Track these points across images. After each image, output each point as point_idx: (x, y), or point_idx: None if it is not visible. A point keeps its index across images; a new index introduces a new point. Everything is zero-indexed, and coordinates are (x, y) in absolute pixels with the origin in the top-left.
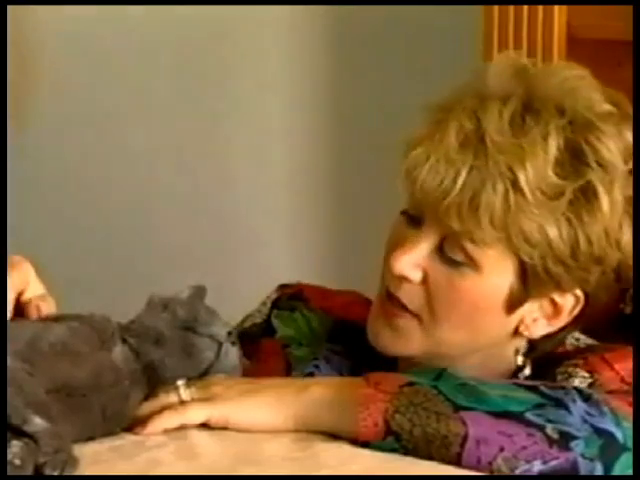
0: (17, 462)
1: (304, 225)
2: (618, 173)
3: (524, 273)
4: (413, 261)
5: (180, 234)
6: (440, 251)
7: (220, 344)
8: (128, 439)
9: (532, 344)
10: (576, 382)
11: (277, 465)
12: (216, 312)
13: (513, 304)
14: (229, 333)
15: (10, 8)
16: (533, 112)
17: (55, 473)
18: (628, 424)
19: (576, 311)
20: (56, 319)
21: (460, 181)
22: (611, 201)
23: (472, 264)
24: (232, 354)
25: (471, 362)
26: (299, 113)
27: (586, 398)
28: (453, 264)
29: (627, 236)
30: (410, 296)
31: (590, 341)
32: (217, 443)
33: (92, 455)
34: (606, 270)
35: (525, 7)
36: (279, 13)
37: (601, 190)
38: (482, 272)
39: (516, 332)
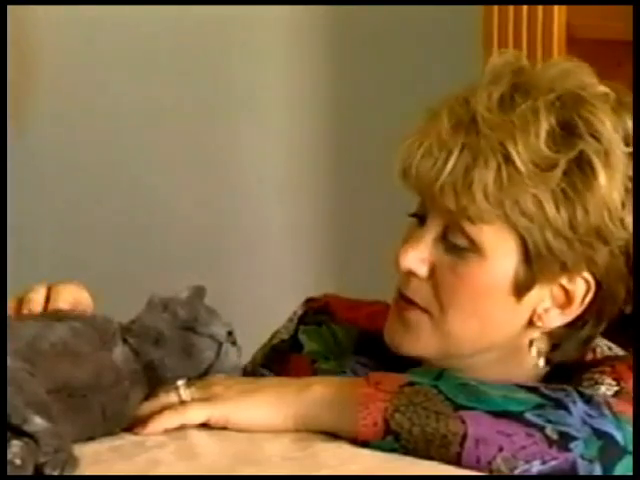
0: (17, 462)
1: (304, 225)
2: (615, 148)
3: (527, 254)
4: (419, 256)
5: (180, 233)
6: (444, 239)
7: (220, 344)
8: (128, 439)
9: (554, 344)
10: (602, 389)
11: (277, 465)
12: (216, 312)
13: (521, 289)
14: (229, 333)
15: (10, 8)
16: (522, 92)
17: (55, 473)
18: (630, 427)
19: (588, 298)
20: (59, 319)
21: (452, 160)
22: (608, 174)
23: (474, 248)
24: (232, 354)
25: (488, 364)
26: (299, 113)
27: (587, 400)
28: (457, 251)
29: (631, 217)
30: (419, 292)
31: (622, 352)
32: (217, 443)
33: (92, 455)
34: (614, 251)
35: (525, 7)
36: (279, 13)
37: (596, 161)
38: (485, 256)
39: (530, 324)
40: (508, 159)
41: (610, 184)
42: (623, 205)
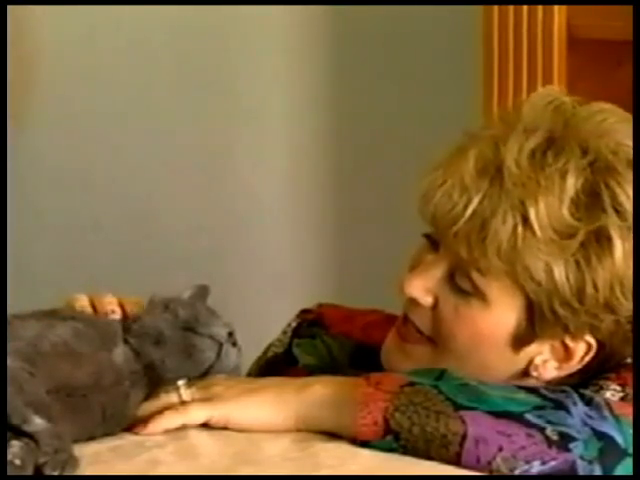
0: (17, 462)
1: (305, 226)
2: (636, 222)
3: (531, 311)
4: (425, 285)
5: (180, 234)
6: (451, 279)
7: (221, 345)
8: (128, 439)
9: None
10: (607, 395)
11: (277, 465)
12: (217, 312)
13: (520, 342)
14: (230, 334)
15: (10, 8)
16: (556, 148)
17: (55, 473)
18: (631, 429)
19: (588, 358)
20: (63, 318)
21: (471, 208)
22: (626, 249)
23: (479, 295)
24: (232, 355)
25: None
26: (299, 113)
27: (587, 401)
28: (461, 293)
29: None
30: (423, 320)
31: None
32: (217, 443)
33: (92, 455)
34: (620, 320)
35: (525, 7)
36: (279, 13)
37: (615, 236)
38: (489, 304)
39: (526, 373)
40: (526, 220)
41: (626, 260)
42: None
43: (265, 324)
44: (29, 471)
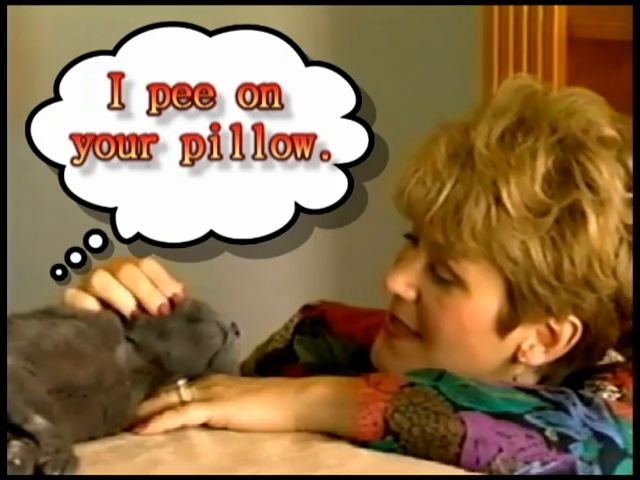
0: (17, 462)
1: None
2: (612, 197)
3: (511, 294)
4: (407, 280)
5: None
6: (432, 271)
7: (226, 332)
8: (128, 439)
9: (543, 377)
10: (604, 395)
11: (276, 465)
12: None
13: (504, 327)
14: (233, 324)
15: (10, 8)
16: (525, 128)
17: (56, 473)
18: (630, 430)
19: (574, 340)
20: (63, 317)
21: (444, 193)
22: (601, 224)
23: (459, 283)
24: (236, 345)
25: None
26: None
27: (587, 402)
28: (443, 284)
29: (625, 266)
30: (408, 315)
31: (621, 358)
32: (217, 443)
33: (92, 455)
34: (602, 298)
35: (525, 7)
36: (279, 13)
37: (589, 211)
38: (469, 292)
39: (515, 360)
40: (499, 200)
41: (602, 234)
42: (617, 255)
43: (265, 324)
44: (29, 471)
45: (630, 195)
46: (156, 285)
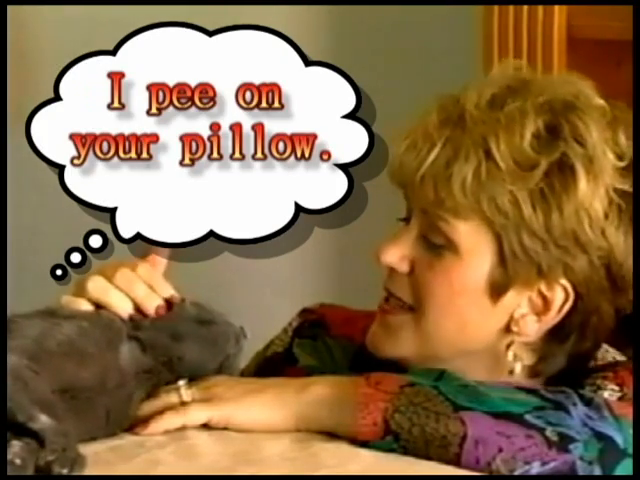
0: (17, 462)
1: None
2: (600, 156)
3: (502, 253)
4: (399, 252)
5: None
6: (424, 238)
7: (238, 335)
8: (128, 439)
9: (540, 357)
10: (605, 395)
11: (276, 465)
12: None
13: (496, 290)
14: (241, 328)
15: (10, 8)
16: (515, 94)
17: (64, 471)
18: (631, 430)
19: (567, 307)
20: (65, 316)
21: (435, 152)
22: (590, 180)
23: (450, 245)
24: (244, 348)
25: (466, 370)
26: None
27: (587, 402)
28: (434, 249)
29: (613, 229)
30: (402, 288)
31: (621, 357)
32: (217, 443)
33: (92, 455)
34: (593, 261)
35: (525, 7)
36: (279, 13)
37: (578, 165)
38: (461, 254)
39: (507, 330)
40: (489, 155)
41: (592, 191)
42: (606, 216)
43: (265, 324)
44: (29, 471)
45: (621, 164)
46: (152, 287)
